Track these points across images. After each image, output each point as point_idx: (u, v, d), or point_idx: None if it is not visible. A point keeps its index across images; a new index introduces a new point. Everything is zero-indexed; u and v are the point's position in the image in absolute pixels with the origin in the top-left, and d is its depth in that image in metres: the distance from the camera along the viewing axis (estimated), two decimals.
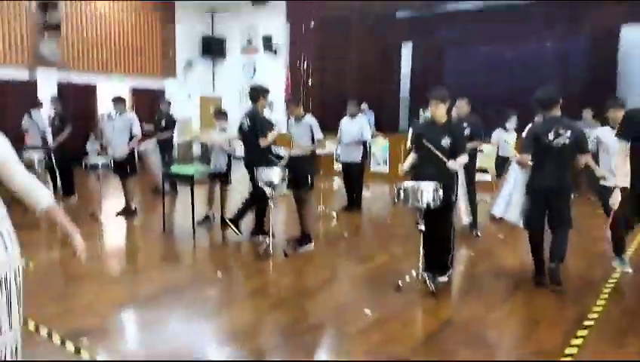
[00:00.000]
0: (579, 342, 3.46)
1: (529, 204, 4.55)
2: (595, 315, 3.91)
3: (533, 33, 11.12)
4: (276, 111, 13.49)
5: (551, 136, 4.33)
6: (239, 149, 6.57)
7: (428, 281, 4.42)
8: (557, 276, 4.36)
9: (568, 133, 4.31)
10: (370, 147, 8.41)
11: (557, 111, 4.41)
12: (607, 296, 4.34)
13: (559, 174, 4.36)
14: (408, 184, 4.44)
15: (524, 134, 5.14)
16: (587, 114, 9.03)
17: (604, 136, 4.94)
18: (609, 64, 10.19)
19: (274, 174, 5.44)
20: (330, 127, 8.16)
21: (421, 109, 10.15)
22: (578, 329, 3.65)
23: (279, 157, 5.71)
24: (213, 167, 6.80)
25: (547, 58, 11.10)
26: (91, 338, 3.50)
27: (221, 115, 7.18)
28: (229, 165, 6.84)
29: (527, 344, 3.50)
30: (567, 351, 3.33)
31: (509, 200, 4.82)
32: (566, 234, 4.44)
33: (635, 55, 10.08)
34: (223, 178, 6.82)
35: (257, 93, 6.07)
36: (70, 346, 3.38)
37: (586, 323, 3.76)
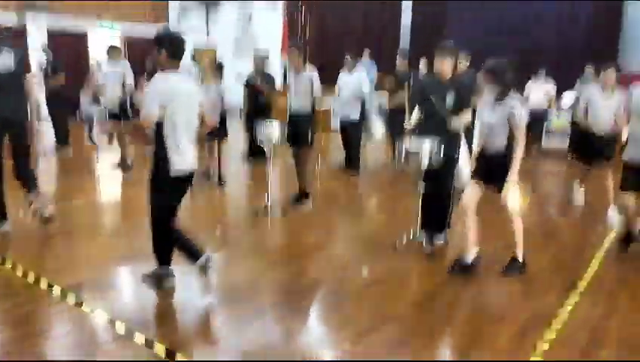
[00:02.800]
0: (571, 305, 3.54)
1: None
2: (588, 279, 3.99)
3: None
4: (272, 64, 13.21)
5: None
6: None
7: (424, 241, 4.46)
8: None
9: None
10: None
11: None
12: (599, 260, 4.42)
13: None
14: (408, 144, 4.39)
15: None
16: (589, 70, 8.91)
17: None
18: (613, 19, 10.07)
19: (274, 130, 5.38)
20: (329, 81, 8.00)
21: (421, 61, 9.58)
22: (571, 292, 3.73)
23: None
24: None
25: (550, 16, 10.86)
26: (92, 292, 3.54)
27: (216, 69, 7.01)
28: (222, 120, 6.76)
29: (522, 307, 3.57)
30: (560, 313, 3.41)
31: None
32: None
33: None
34: (218, 133, 6.74)
35: None
36: (71, 298, 3.42)
37: (579, 290, 3.84)
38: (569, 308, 3.49)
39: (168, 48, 3.36)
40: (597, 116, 5.53)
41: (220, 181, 6.80)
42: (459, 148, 4.71)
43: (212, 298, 3.65)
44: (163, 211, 3.52)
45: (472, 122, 6.21)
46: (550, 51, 10.55)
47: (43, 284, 3.62)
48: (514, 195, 3.81)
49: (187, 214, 5.74)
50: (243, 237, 4.99)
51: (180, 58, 3.45)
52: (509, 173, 3.79)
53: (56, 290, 3.53)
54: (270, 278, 4.00)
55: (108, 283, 3.82)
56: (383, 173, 8.07)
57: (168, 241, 3.55)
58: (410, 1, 12.80)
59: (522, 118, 3.81)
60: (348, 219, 5.62)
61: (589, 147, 5.76)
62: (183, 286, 3.79)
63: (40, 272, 3.78)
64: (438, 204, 4.69)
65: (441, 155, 4.28)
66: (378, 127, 7.44)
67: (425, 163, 4.26)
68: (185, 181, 3.54)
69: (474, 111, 6.18)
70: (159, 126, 3.31)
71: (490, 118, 3.89)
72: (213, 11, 16.20)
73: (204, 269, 3.54)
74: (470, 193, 4.04)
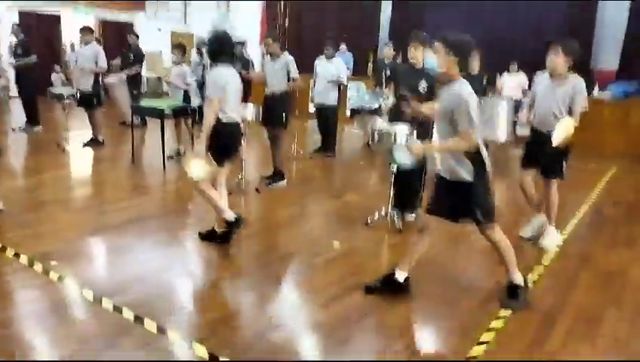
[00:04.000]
0: (535, 278, 3.65)
1: None
2: (552, 256, 4.12)
3: None
4: (251, 49, 13.14)
5: None
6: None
7: (395, 218, 4.53)
8: None
9: None
10: (345, 89, 8.31)
11: None
12: (564, 238, 4.55)
13: None
14: (383, 126, 4.45)
15: None
16: None
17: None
18: (587, 18, 10.23)
19: (247, 111, 5.43)
20: (306, 69, 8.02)
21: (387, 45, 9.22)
22: (535, 265, 3.84)
23: None
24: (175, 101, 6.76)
25: (525, 15, 11.06)
26: (59, 261, 3.49)
27: (177, 48, 7.01)
28: (186, 99, 6.81)
29: (486, 279, 3.66)
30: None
31: None
32: None
33: (612, 22, 10.13)
34: (183, 111, 6.75)
35: None
36: (38, 267, 3.37)
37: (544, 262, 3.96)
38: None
39: None
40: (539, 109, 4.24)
41: None
42: (431, 133, 4.78)
43: (184, 267, 3.65)
44: None
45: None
46: (525, 50, 10.71)
47: (9, 253, 3.57)
48: (195, 166, 3.66)
49: (162, 189, 5.77)
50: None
51: None
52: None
53: (23, 259, 3.48)
54: (242, 250, 4.01)
55: (77, 252, 3.77)
56: (360, 155, 8.14)
57: None
58: (390, 1, 12.90)
59: (209, 87, 3.68)
60: (321, 197, 5.65)
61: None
62: (155, 256, 3.79)
63: (6, 242, 3.72)
64: (409, 185, 4.78)
65: (414, 140, 4.34)
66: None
67: (397, 145, 4.29)
68: None
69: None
70: None
71: None
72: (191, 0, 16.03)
73: None
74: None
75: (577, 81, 3.96)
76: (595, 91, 9.44)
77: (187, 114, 6.78)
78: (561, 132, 3.74)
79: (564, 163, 4.13)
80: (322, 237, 4.34)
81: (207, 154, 3.69)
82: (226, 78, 3.73)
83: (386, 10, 13.01)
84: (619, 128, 9.12)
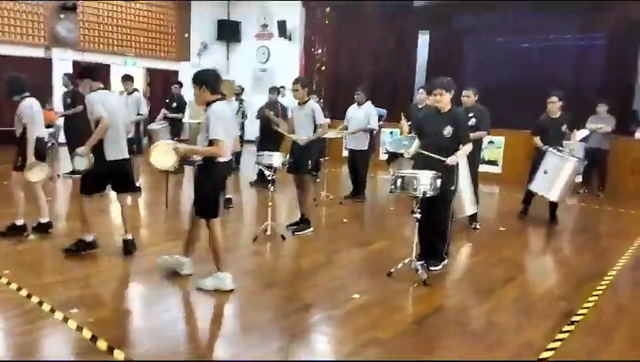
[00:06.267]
0: (564, 336, 3.43)
1: None
2: (585, 311, 3.87)
3: (553, 25, 10.87)
4: (289, 97, 13.45)
5: None
6: None
7: (420, 269, 4.39)
8: None
9: None
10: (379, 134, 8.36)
11: None
12: (600, 291, 4.29)
13: None
14: (405, 172, 4.40)
15: None
16: (601, 108, 8.87)
17: None
18: (629, 59, 9.91)
19: (275, 158, 5.49)
20: (342, 114, 8.14)
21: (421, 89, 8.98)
22: (565, 323, 3.62)
23: None
24: None
25: (566, 50, 10.88)
26: (82, 308, 3.56)
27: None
28: None
29: (514, 336, 3.47)
30: (551, 345, 3.29)
31: None
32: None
33: None
34: None
35: None
36: (59, 315, 3.45)
37: (575, 318, 3.72)
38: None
39: None
40: None
41: (226, 206, 6.88)
42: (456, 179, 4.68)
43: (204, 314, 3.65)
44: None
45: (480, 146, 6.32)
46: (564, 89, 10.43)
47: (34, 300, 3.68)
48: (31, 172, 4.94)
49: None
50: (240, 259, 5.00)
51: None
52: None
53: (46, 307, 3.57)
54: (261, 299, 3.98)
55: (98, 300, 3.85)
56: (390, 200, 8.04)
57: None
58: (427, 36, 12.99)
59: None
60: (347, 244, 5.59)
61: None
62: (170, 307, 3.81)
63: (32, 290, 3.85)
64: (434, 233, 4.68)
65: (438, 187, 4.26)
66: None
67: (421, 192, 4.22)
68: None
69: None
70: None
71: None
72: (233, 48, 16.74)
73: None
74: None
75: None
76: (637, 133, 9.07)
77: None
78: None
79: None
80: (344, 287, 4.26)
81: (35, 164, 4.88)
82: (32, 106, 5.03)
83: (423, 47, 13.07)
84: None
